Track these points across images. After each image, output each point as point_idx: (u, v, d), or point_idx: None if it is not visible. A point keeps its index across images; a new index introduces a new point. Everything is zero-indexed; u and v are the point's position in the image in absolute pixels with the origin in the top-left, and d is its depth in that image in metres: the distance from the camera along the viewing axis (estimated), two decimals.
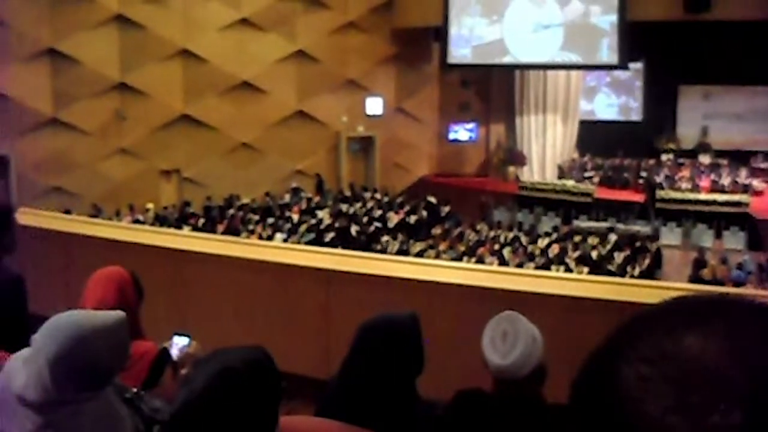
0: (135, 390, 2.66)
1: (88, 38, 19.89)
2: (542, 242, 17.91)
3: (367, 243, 18.17)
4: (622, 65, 22.94)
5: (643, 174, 24.29)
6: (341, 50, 24.12)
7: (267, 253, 7.69)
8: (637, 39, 21.81)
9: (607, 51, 22.40)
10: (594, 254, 16.94)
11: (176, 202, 21.34)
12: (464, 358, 4.65)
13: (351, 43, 24.31)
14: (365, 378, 2.79)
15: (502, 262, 15.98)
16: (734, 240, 20.15)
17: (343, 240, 18.22)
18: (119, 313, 2.22)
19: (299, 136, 23.67)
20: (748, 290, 11.55)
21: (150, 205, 19.73)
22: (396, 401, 2.78)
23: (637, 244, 17.78)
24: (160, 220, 18.68)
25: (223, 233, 16.85)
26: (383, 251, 16.92)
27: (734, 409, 0.68)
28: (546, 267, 15.54)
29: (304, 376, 5.82)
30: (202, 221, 19.06)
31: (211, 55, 21.78)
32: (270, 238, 17.23)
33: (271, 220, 19.26)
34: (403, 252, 16.96)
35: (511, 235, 18.65)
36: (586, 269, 15.59)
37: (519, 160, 26.35)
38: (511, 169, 26.52)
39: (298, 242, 16.97)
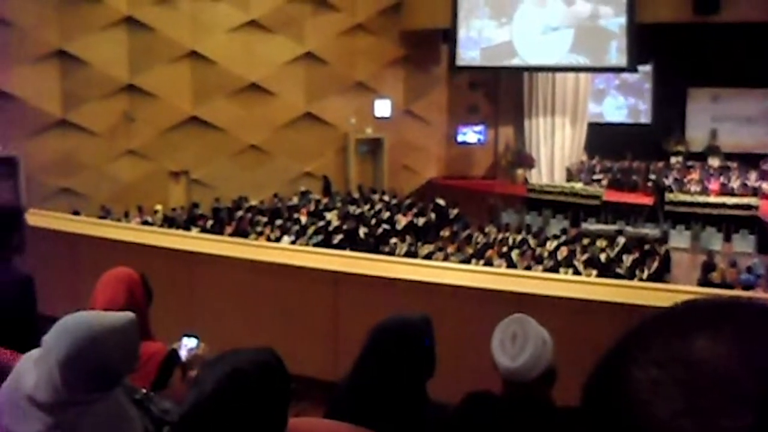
0: (144, 391, 2.66)
1: (97, 40, 19.95)
2: (551, 245, 17.86)
3: (375, 245, 18.16)
4: (631, 68, 22.90)
5: (652, 177, 24.22)
6: (350, 52, 24.13)
7: (275, 254, 7.70)
8: (646, 41, 21.75)
9: (616, 53, 22.35)
10: (602, 257, 16.89)
11: (185, 203, 21.37)
12: (473, 361, 4.65)
13: (359, 45, 24.32)
14: (377, 379, 2.79)
15: (511, 265, 15.94)
16: (744, 243, 20.09)
17: (352, 242, 18.22)
18: (129, 314, 2.23)
19: (307, 138, 23.69)
20: (757, 293, 11.51)
21: (158, 207, 19.75)
22: (406, 403, 2.79)
23: (646, 247, 17.71)
24: (169, 222, 18.70)
25: (232, 235, 16.84)
26: (391, 253, 16.91)
27: (744, 412, 0.68)
28: (554, 269, 15.50)
29: (312, 378, 5.83)
30: (210, 223, 19.07)
31: (219, 56, 21.82)
32: (278, 239, 17.23)
33: (279, 222, 19.26)
34: (411, 254, 16.93)
35: (519, 237, 18.61)
36: (594, 272, 15.54)
37: (527, 162, 26.32)
38: (520, 171, 26.49)
39: (307, 244, 16.97)
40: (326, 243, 17.68)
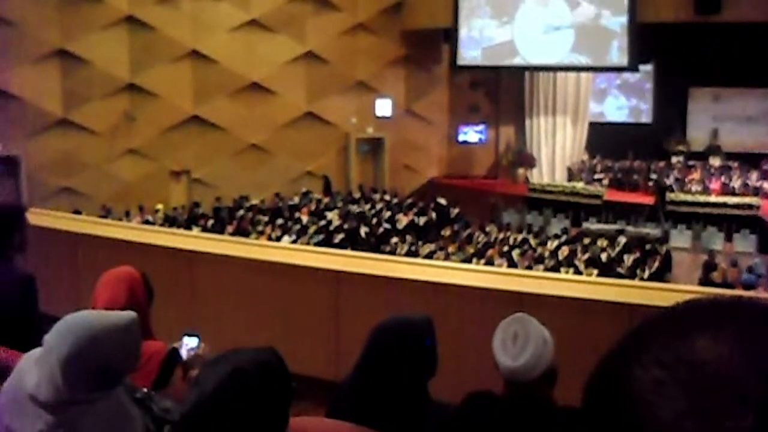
0: (145, 390, 2.66)
1: (98, 39, 19.95)
2: (551, 244, 17.86)
3: (376, 244, 18.17)
4: (632, 67, 22.89)
5: (653, 176, 24.21)
6: (351, 52, 24.12)
7: (276, 254, 7.71)
8: (647, 41, 21.74)
9: (617, 53, 22.35)
10: (603, 256, 16.89)
11: (186, 202, 21.37)
12: (474, 360, 4.66)
13: (360, 45, 24.31)
14: (378, 379, 2.79)
15: (511, 264, 15.94)
16: (745, 243, 20.08)
17: (353, 241, 18.22)
18: (131, 314, 2.23)
19: (308, 138, 23.68)
20: (758, 293, 11.50)
21: (159, 206, 19.76)
22: (408, 403, 2.79)
23: (647, 246, 17.71)
24: (170, 221, 18.70)
25: (233, 234, 16.85)
26: (392, 253, 16.91)
27: (747, 412, 0.68)
28: (555, 269, 15.50)
29: (313, 378, 5.83)
30: (211, 222, 19.07)
31: (220, 56, 21.82)
32: (279, 239, 17.23)
33: (280, 222, 19.27)
34: (412, 253, 16.93)
35: (520, 237, 18.61)
36: (595, 271, 15.54)
37: (528, 161, 26.31)
38: (521, 170, 26.48)
39: (308, 244, 16.97)
40: (327, 242, 17.68)
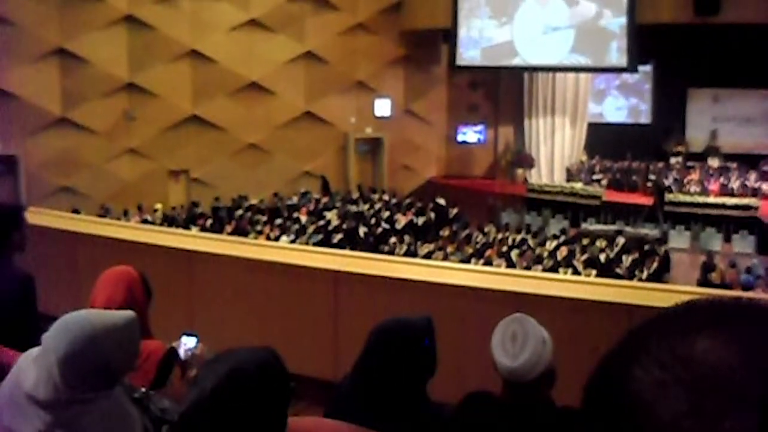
0: (144, 390, 2.66)
1: (98, 38, 19.94)
2: (550, 245, 17.87)
3: (374, 244, 18.16)
4: (632, 68, 22.91)
5: (652, 177, 24.23)
6: (350, 51, 24.12)
7: (275, 253, 7.70)
8: (646, 42, 21.75)
9: (617, 54, 22.35)
10: (602, 257, 16.90)
11: (184, 202, 21.36)
12: (472, 361, 4.66)
13: (360, 45, 24.31)
14: (377, 379, 2.79)
15: (510, 265, 15.95)
16: (743, 244, 20.10)
17: (351, 241, 18.22)
18: (129, 313, 2.23)
19: (307, 137, 23.69)
20: (757, 294, 11.50)
21: (158, 206, 19.76)
22: (406, 404, 2.79)
23: (646, 247, 17.73)
24: (169, 221, 18.70)
25: (231, 234, 16.85)
26: (391, 253, 16.91)
27: (747, 413, 0.68)
28: (554, 269, 15.50)
29: (311, 377, 5.83)
30: (210, 222, 19.07)
31: (219, 55, 21.81)
32: (278, 239, 17.23)
33: (279, 221, 19.27)
34: (410, 254, 16.94)
35: (519, 237, 18.62)
36: (594, 272, 15.54)
37: (527, 162, 26.32)
38: (520, 171, 26.51)
39: (306, 243, 16.96)
40: (326, 242, 17.67)
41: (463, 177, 26.46)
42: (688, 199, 22.26)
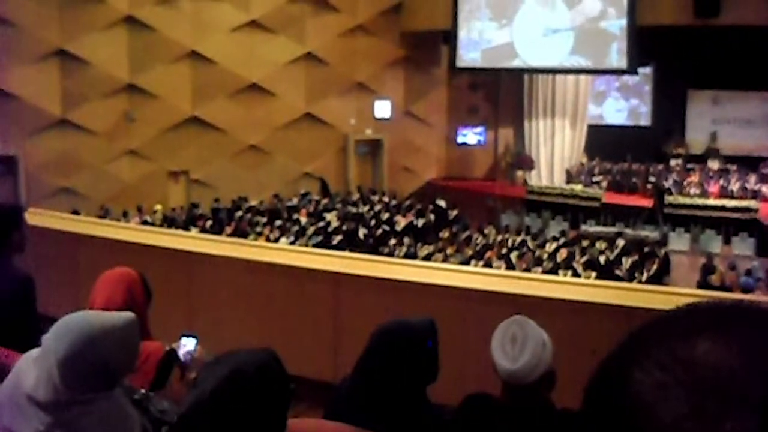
0: (143, 391, 2.66)
1: (98, 39, 19.93)
2: (550, 246, 17.87)
3: (374, 246, 18.16)
4: (632, 70, 22.92)
5: (652, 179, 24.25)
6: (350, 53, 24.13)
7: (275, 255, 7.70)
8: (646, 44, 21.77)
9: (617, 55, 22.36)
10: (602, 259, 16.90)
11: (184, 203, 21.35)
12: (472, 363, 4.65)
13: (360, 46, 24.32)
14: (379, 381, 2.79)
15: (510, 266, 15.95)
16: (743, 246, 20.10)
17: (351, 243, 18.22)
18: (129, 314, 2.23)
19: (307, 139, 23.69)
20: (757, 296, 11.50)
21: (158, 207, 19.73)
22: (406, 406, 2.78)
23: (646, 249, 17.73)
24: (168, 222, 18.68)
25: (231, 235, 16.84)
26: (391, 254, 16.91)
27: (747, 415, 0.68)
28: (553, 271, 15.50)
29: (311, 379, 5.83)
30: (209, 223, 19.06)
31: (220, 57, 21.81)
32: (277, 240, 17.23)
33: (278, 223, 19.26)
34: (410, 255, 16.93)
35: (518, 239, 18.62)
36: (593, 274, 15.54)
37: (527, 164, 26.33)
38: (520, 173, 26.51)
39: (306, 245, 16.96)
40: (325, 244, 17.67)
41: (463, 179, 26.46)
42: (688, 201, 22.28)
